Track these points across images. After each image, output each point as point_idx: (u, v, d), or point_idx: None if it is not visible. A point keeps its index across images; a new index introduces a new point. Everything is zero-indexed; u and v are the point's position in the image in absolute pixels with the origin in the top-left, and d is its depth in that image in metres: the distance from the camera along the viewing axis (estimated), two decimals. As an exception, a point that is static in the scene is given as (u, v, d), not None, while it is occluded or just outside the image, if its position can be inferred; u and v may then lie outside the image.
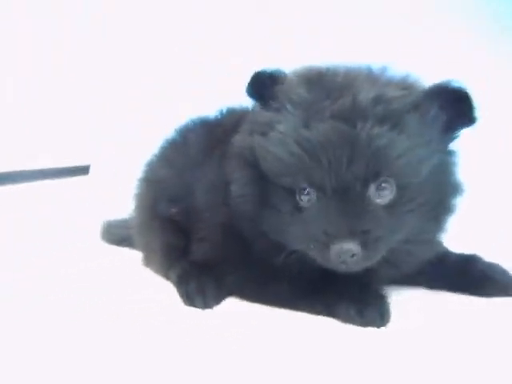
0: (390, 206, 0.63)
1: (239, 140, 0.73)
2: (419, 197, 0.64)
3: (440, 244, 0.75)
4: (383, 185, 0.63)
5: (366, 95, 0.62)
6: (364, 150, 0.60)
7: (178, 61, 1.66)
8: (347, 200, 0.62)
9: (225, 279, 0.79)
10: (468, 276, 0.76)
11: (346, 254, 0.60)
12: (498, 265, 0.77)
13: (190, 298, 0.78)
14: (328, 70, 0.69)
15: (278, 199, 0.67)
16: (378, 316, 0.66)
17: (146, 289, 0.88)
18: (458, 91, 0.65)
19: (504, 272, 0.76)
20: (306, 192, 0.65)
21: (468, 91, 0.65)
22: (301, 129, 0.63)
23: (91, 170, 1.74)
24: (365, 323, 0.66)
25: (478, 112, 0.66)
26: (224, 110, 0.95)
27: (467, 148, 0.71)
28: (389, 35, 1.46)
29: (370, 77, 0.68)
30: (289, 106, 0.65)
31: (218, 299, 0.78)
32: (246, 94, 0.73)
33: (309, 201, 0.65)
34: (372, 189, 0.63)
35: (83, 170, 1.71)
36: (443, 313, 0.71)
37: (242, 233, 0.74)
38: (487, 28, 1.45)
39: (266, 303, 0.76)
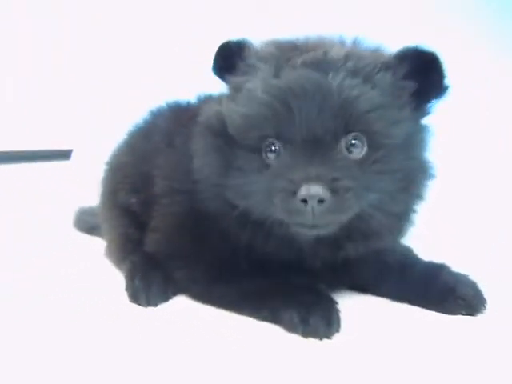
0: (361, 163, 0.60)
1: (206, 110, 0.70)
2: (391, 161, 0.61)
3: (408, 226, 0.70)
4: (353, 141, 0.60)
5: (337, 51, 0.62)
6: (335, 99, 0.58)
7: (165, 47, 1.62)
8: (316, 151, 0.58)
9: (172, 276, 0.74)
10: (430, 288, 0.69)
11: (314, 198, 0.55)
12: (467, 276, 0.71)
13: (134, 295, 0.74)
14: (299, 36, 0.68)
15: (243, 160, 0.63)
16: (323, 325, 0.60)
17: (99, 282, 0.84)
18: (427, 55, 0.63)
19: (471, 285, 0.69)
20: (272, 148, 0.61)
21: (438, 56, 0.62)
22: (270, 79, 0.60)
23: (73, 155, 1.71)
24: (308, 333, 0.60)
25: (449, 80, 0.63)
26: (201, 96, 0.89)
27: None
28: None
29: (341, 40, 0.68)
30: (258, 63, 0.64)
31: (163, 297, 0.74)
32: (212, 70, 0.69)
33: (276, 157, 0.61)
34: (343, 143, 0.60)
35: (65, 155, 1.67)
36: (392, 329, 0.64)
37: (203, 217, 0.69)
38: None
39: (212, 304, 0.71)
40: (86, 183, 1.25)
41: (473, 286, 0.69)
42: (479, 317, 0.67)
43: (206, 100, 0.83)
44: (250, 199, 0.63)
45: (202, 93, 0.89)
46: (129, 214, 0.86)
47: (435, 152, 0.69)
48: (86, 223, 1.22)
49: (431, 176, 0.67)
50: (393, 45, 0.68)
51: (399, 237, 0.72)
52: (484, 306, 0.67)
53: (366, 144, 0.60)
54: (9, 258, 0.97)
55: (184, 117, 0.82)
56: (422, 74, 0.63)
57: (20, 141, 1.68)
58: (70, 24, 1.79)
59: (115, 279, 0.83)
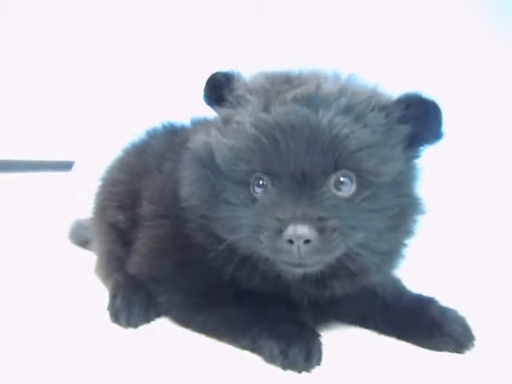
0: (349, 201, 0.59)
1: (195, 140, 0.69)
2: (379, 199, 0.60)
3: (399, 262, 0.68)
4: (342, 179, 0.59)
5: (330, 86, 0.61)
6: (324, 136, 0.57)
7: (167, 58, 1.63)
8: (304, 188, 0.57)
9: (154, 298, 0.73)
10: (417, 323, 0.67)
11: (300, 238, 0.54)
12: (455, 311, 0.68)
13: (114, 315, 0.73)
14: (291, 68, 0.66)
15: (230, 193, 0.62)
16: (302, 358, 0.58)
17: (84, 298, 0.83)
18: (427, 104, 0.62)
19: (459, 321, 0.66)
20: (260, 182, 0.61)
21: (438, 105, 0.62)
22: (259, 113, 0.59)
23: (75, 166, 1.72)
24: (287, 365, 0.58)
25: (445, 128, 0.63)
26: (195, 120, 0.89)
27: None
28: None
29: (336, 75, 0.66)
30: (247, 96, 0.62)
31: (145, 318, 0.72)
32: (204, 100, 0.68)
33: (263, 192, 0.60)
34: (331, 180, 0.59)
35: (67, 166, 1.68)
36: (375, 363, 0.62)
37: (187, 243, 0.68)
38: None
39: (193, 330, 0.69)
40: (85, 195, 1.25)
41: (461, 322, 0.66)
42: (467, 354, 0.64)
43: (200, 124, 0.83)
44: (236, 233, 0.62)
45: (196, 116, 0.89)
46: (116, 230, 0.85)
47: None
48: (81, 236, 1.21)
49: (422, 212, 0.66)
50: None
51: (389, 272, 0.71)
52: (472, 343, 0.65)
53: (355, 182, 0.60)
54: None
55: (175, 140, 0.82)
56: (418, 119, 0.62)
57: (23, 150, 1.69)
58: (76, 35, 1.81)
59: (102, 296, 0.82)
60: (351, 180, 0.59)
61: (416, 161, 0.67)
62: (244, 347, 0.64)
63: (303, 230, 0.54)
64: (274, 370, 0.59)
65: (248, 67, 0.72)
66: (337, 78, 0.65)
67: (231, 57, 1.50)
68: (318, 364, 0.60)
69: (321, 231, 0.55)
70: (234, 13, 1.67)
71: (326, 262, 0.59)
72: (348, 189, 0.59)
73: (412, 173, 0.65)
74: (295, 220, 0.55)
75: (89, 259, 1.03)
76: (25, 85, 1.73)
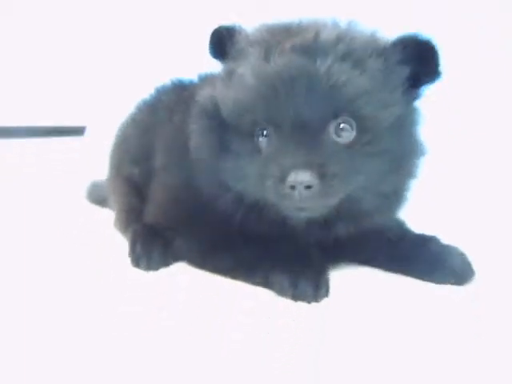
0: (350, 147, 0.62)
1: (202, 94, 0.72)
2: (380, 143, 0.63)
3: (402, 204, 0.72)
4: (342, 125, 0.61)
5: (328, 33, 0.62)
6: (323, 84, 0.59)
7: (177, 23, 1.63)
8: (305, 136, 0.60)
9: (171, 243, 0.78)
10: (421, 259, 0.71)
11: (301, 184, 0.58)
12: (456, 248, 0.72)
13: (135, 260, 0.78)
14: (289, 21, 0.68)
15: (236, 144, 0.66)
16: (311, 290, 0.63)
17: (106, 248, 0.88)
18: (424, 43, 0.64)
19: (459, 256, 0.70)
20: (264, 133, 0.64)
21: (434, 44, 0.63)
22: (260, 64, 0.62)
23: (87, 131, 1.75)
24: (297, 296, 0.63)
25: (443, 66, 0.64)
26: (203, 75, 0.91)
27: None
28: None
29: (335, 23, 0.67)
30: (249, 48, 0.65)
31: (164, 263, 0.77)
32: (209, 54, 0.71)
33: (267, 142, 0.63)
34: (331, 127, 0.61)
35: (79, 131, 1.72)
36: (380, 296, 0.66)
37: (199, 192, 0.72)
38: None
39: (209, 270, 0.74)
40: (99, 158, 1.29)
41: (462, 257, 0.70)
42: (467, 287, 0.68)
43: (207, 79, 0.85)
44: (243, 182, 0.65)
45: (203, 72, 0.91)
46: (131, 184, 0.89)
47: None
48: (98, 195, 1.26)
49: (422, 155, 0.68)
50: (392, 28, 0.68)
51: (392, 215, 0.74)
52: (472, 277, 0.69)
53: (355, 128, 0.62)
54: (22, 228, 1.02)
55: (184, 94, 0.85)
56: (416, 60, 0.64)
57: (36, 116, 1.73)
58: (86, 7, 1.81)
59: (122, 246, 0.86)
60: (351, 126, 0.62)
61: (417, 103, 0.68)
62: (257, 283, 0.68)
63: (304, 176, 0.57)
64: (286, 304, 0.64)
65: (253, 20, 0.74)
66: (335, 25, 0.67)
67: (237, 11, 1.49)
68: (326, 295, 0.64)
69: (321, 177, 0.58)
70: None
71: (327, 206, 0.63)
72: (348, 135, 0.62)
73: (412, 116, 0.67)
74: (297, 167, 0.58)
75: (107, 216, 1.08)
76: (36, 53, 1.75)
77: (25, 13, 1.75)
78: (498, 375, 0.48)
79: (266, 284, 0.67)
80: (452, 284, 0.68)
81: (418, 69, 0.64)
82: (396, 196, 0.70)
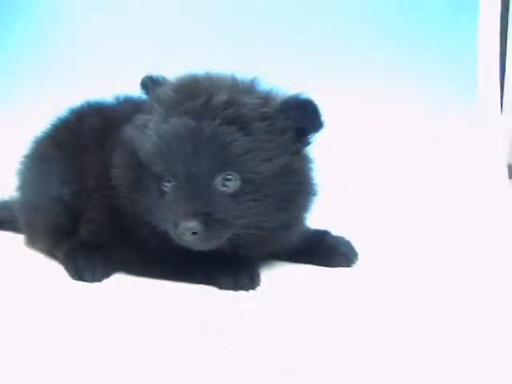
0: (235, 195, 0.73)
1: (127, 131, 0.81)
2: (264, 190, 0.74)
3: (298, 231, 0.85)
4: (227, 177, 0.72)
5: (219, 98, 0.72)
6: (208, 144, 0.70)
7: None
8: (196, 187, 0.72)
9: (111, 257, 0.86)
10: (319, 249, 0.92)
11: (188, 231, 0.70)
12: (343, 237, 0.94)
13: (79, 273, 0.84)
14: (198, 75, 0.80)
15: (148, 184, 0.77)
16: (249, 282, 0.80)
17: (29, 268, 0.92)
18: (305, 102, 0.76)
19: (347, 243, 0.93)
20: (167, 179, 0.74)
21: (314, 102, 0.76)
22: (161, 123, 0.73)
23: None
24: (238, 287, 0.79)
25: (324, 118, 0.77)
26: (121, 98, 0.99)
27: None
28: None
29: (232, 84, 0.77)
30: (157, 106, 0.77)
31: (106, 274, 0.86)
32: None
33: (170, 187, 0.74)
34: (218, 180, 0.72)
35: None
36: (299, 281, 0.85)
37: (124, 213, 0.82)
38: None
39: (151, 277, 0.84)
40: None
41: (348, 245, 0.94)
42: (354, 267, 0.92)
43: (126, 102, 0.96)
44: (153, 217, 0.77)
45: (120, 94, 0.99)
46: (59, 203, 0.91)
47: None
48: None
49: (314, 195, 0.82)
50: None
51: (289, 242, 0.86)
52: (357, 258, 0.92)
53: (239, 179, 0.72)
54: None
55: (112, 119, 0.91)
56: (300, 117, 0.75)
57: None
58: None
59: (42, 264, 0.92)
60: (236, 178, 0.72)
61: (307, 149, 0.81)
62: (200, 282, 0.82)
63: (191, 225, 0.69)
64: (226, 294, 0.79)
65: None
66: (233, 87, 0.76)
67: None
68: (259, 284, 0.81)
69: (206, 224, 0.70)
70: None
71: (216, 244, 0.74)
72: (233, 185, 0.72)
73: (301, 162, 0.79)
74: (186, 216, 0.70)
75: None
76: None
77: None
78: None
79: (209, 282, 0.81)
80: (343, 266, 0.91)
81: (302, 124, 0.76)
82: (290, 228, 0.82)
